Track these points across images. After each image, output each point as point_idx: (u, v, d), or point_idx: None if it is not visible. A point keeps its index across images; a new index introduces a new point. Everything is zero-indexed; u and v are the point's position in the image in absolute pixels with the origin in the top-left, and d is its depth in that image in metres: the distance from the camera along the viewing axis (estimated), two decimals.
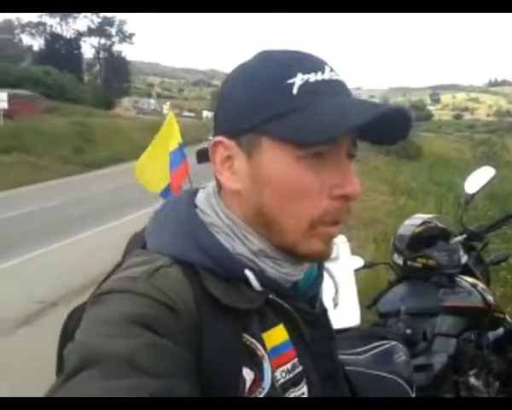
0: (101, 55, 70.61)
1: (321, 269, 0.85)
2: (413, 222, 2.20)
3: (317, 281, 0.83)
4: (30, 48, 66.56)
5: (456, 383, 1.93)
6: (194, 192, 0.81)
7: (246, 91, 0.70)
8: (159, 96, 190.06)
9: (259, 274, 0.71)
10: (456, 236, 2.18)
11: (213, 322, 0.66)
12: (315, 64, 0.70)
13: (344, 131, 0.65)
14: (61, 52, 62.72)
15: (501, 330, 2.16)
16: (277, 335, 0.72)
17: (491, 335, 2.12)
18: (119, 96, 70.60)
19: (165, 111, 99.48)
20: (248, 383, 0.67)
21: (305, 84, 0.68)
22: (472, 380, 1.97)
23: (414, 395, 1.45)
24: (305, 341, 0.76)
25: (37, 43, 66.35)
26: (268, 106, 0.68)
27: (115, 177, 16.12)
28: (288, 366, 0.72)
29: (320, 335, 0.81)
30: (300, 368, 0.73)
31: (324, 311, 0.87)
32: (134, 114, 56.11)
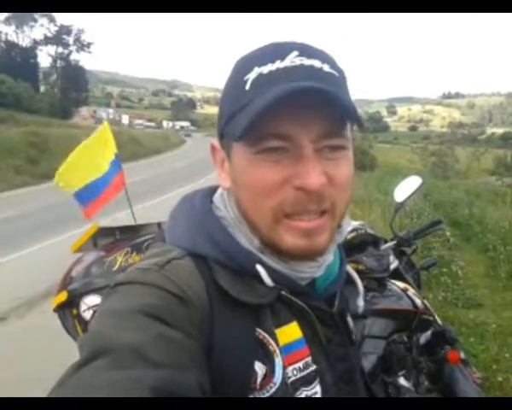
0: (58, 65, 69.31)
1: (342, 268, 0.83)
2: None
3: (336, 280, 0.81)
4: None
5: (385, 383, 2.00)
6: (214, 188, 0.82)
7: (222, 96, 0.73)
8: (118, 105, 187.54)
9: (271, 270, 0.70)
10: (386, 241, 2.27)
11: (225, 314, 0.66)
12: (276, 53, 0.67)
13: (244, 125, 0.63)
14: (17, 61, 61.35)
15: (430, 333, 2.25)
16: (290, 332, 0.71)
17: (422, 337, 2.21)
18: (77, 106, 69.39)
19: (124, 121, 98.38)
20: (260, 378, 0.66)
21: (258, 77, 0.66)
22: (401, 380, 2.05)
23: None
24: (319, 340, 0.75)
25: None
26: (228, 107, 0.69)
27: None
28: (300, 364, 0.71)
29: (336, 335, 0.79)
30: (314, 367, 0.72)
31: (343, 311, 0.85)
32: (92, 123, 55.04)
